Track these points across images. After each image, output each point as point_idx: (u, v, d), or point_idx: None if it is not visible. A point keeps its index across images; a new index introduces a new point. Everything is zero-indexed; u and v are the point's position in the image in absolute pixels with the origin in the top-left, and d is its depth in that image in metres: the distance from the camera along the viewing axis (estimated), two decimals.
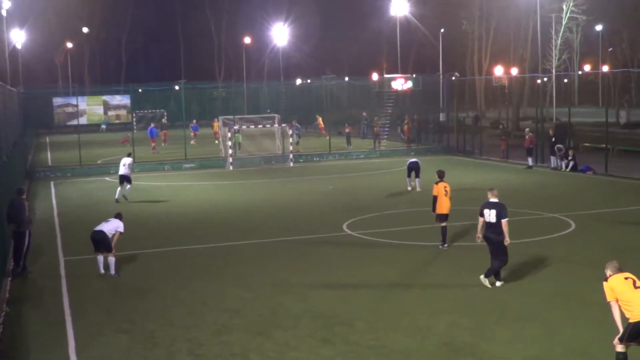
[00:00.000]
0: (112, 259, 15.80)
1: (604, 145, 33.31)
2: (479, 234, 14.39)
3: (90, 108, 72.96)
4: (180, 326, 12.40)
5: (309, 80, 78.41)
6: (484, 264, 14.59)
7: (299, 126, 45.73)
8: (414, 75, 52.38)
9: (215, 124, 51.10)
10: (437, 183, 17.65)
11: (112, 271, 15.78)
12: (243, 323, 12.50)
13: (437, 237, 17.74)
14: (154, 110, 70.44)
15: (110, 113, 74.43)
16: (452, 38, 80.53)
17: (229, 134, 38.99)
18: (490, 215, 14.03)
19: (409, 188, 27.41)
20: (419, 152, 40.94)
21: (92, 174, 35.88)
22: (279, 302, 13.60)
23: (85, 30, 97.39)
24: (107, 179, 33.94)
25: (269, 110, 59.25)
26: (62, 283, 15.55)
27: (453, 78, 53.23)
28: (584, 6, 60.04)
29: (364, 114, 53.53)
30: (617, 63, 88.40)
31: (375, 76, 65.27)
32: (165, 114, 67.41)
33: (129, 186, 27.13)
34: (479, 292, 13.88)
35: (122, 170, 26.92)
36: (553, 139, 33.59)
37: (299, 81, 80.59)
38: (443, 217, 17.46)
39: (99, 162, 40.10)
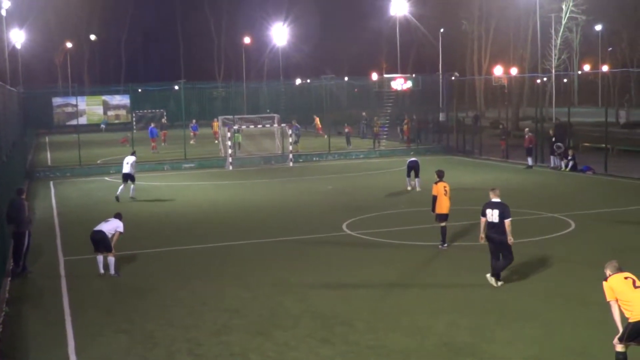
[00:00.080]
0: (111, 259, 15.80)
1: (603, 145, 33.32)
2: (482, 234, 14.37)
3: (90, 108, 73.04)
4: (179, 326, 12.39)
5: (308, 80, 78.40)
6: (484, 264, 14.60)
7: (298, 126, 45.73)
8: (414, 75, 52.37)
9: (215, 124, 51.09)
10: (436, 183, 17.64)
11: (112, 271, 15.77)
12: (243, 323, 12.49)
13: (436, 237, 17.74)
14: (153, 110, 70.47)
15: (110, 113, 74.52)
16: (451, 38, 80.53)
17: (229, 134, 38.99)
18: (493, 215, 14.02)
19: (409, 188, 27.41)
20: (418, 152, 40.93)
21: (92, 174, 35.87)
22: (279, 302, 13.60)
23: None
24: (106, 178, 33.95)
25: (268, 110, 59.25)
26: (61, 283, 15.55)
27: (453, 78, 53.17)
28: (584, 6, 60.06)
29: (364, 113, 53.55)
30: (616, 63, 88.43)
31: (375, 76, 65.28)
32: (165, 113, 67.43)
33: (132, 185, 27.17)
34: (479, 292, 13.88)
35: (126, 168, 26.96)
36: (553, 139, 33.62)
37: (298, 81, 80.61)
38: (443, 217, 17.45)
39: (98, 162, 40.10)
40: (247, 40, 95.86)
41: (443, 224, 17.51)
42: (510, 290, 13.95)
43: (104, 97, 75.15)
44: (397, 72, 64.90)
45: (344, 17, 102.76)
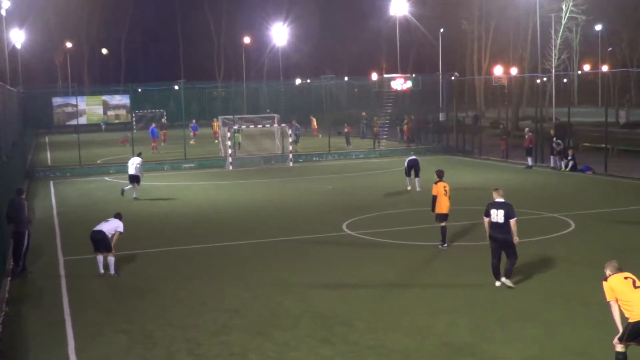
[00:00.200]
0: (111, 259, 15.79)
1: (603, 145, 33.32)
2: (489, 233, 14.28)
3: (90, 108, 73.04)
4: (179, 326, 12.39)
5: (308, 80, 78.39)
6: (484, 264, 14.60)
7: (298, 126, 45.73)
8: (414, 75, 52.36)
9: (215, 124, 51.09)
10: (436, 183, 17.64)
11: (112, 271, 15.77)
12: (242, 323, 12.49)
13: (436, 237, 17.73)
14: (153, 110, 70.49)
15: (110, 113, 74.52)
16: (451, 38, 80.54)
17: (229, 134, 38.99)
18: (498, 215, 13.97)
19: (409, 187, 27.41)
20: (418, 151, 40.61)
21: (92, 174, 35.87)
22: (279, 302, 13.59)
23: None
24: (106, 178, 33.96)
25: (268, 110, 59.22)
26: (61, 283, 15.54)
27: (452, 78, 53.15)
28: (584, 6, 60.07)
29: (364, 113, 53.54)
30: (616, 63, 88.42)
31: (374, 76, 65.25)
32: (165, 113, 67.40)
33: (137, 187, 27.25)
34: (479, 292, 13.88)
35: (132, 170, 27.08)
36: (554, 139, 33.63)
37: (298, 81, 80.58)
38: (443, 217, 17.45)
39: (98, 162, 40.10)
40: (247, 40, 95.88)
41: (443, 224, 17.51)
42: (510, 290, 13.94)
43: (104, 97, 75.14)
44: (397, 72, 64.89)
45: (343, 17, 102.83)
